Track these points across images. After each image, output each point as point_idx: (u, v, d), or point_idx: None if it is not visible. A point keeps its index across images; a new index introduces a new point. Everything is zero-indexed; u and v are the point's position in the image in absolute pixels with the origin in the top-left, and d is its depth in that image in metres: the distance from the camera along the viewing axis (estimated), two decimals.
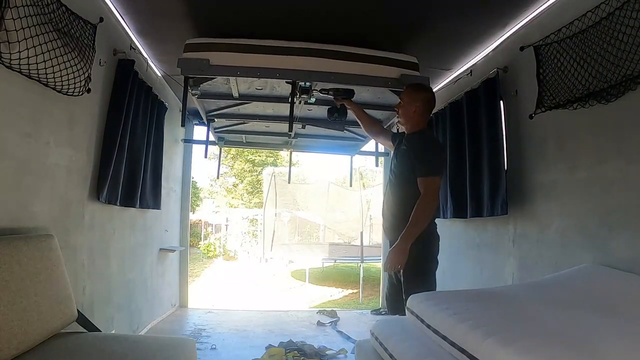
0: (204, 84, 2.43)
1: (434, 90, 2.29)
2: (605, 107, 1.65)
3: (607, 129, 1.71)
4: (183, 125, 3.14)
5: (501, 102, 2.40)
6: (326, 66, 2.24)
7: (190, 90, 2.40)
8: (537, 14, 2.16)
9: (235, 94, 2.65)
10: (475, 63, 2.80)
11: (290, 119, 2.51)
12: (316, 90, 2.43)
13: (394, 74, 2.22)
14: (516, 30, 2.35)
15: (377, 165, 4.19)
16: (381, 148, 4.00)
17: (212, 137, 3.74)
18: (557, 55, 1.85)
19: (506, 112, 2.42)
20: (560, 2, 2.00)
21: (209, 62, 2.17)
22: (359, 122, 2.50)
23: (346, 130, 3.32)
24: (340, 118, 2.49)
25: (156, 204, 3.12)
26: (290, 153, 2.83)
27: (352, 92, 2.41)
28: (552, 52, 1.89)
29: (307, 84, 2.35)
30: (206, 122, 3.33)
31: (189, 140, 4.07)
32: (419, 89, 2.12)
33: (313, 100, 2.49)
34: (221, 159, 4.13)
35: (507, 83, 2.38)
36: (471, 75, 2.78)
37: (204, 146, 4.02)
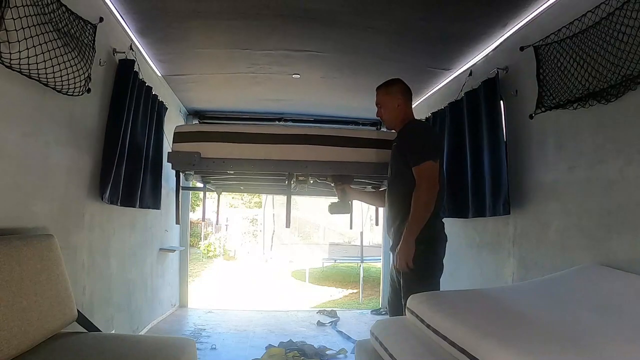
0: None
1: (433, 90, 2.28)
2: (605, 107, 1.65)
3: (607, 129, 1.71)
4: (178, 223, 2.89)
5: (501, 102, 2.40)
6: (323, 154, 2.16)
7: (182, 174, 2.33)
8: (537, 14, 2.16)
9: (230, 172, 2.53)
10: (475, 63, 2.80)
11: (288, 210, 2.43)
12: (313, 176, 2.35)
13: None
14: (516, 30, 2.35)
15: (377, 224, 3.88)
16: None
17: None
18: (557, 55, 1.85)
19: (506, 112, 2.41)
20: (560, 2, 2.00)
21: (200, 156, 2.11)
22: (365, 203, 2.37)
23: None
24: (343, 212, 2.37)
25: (156, 204, 3.12)
26: (289, 198, 2.68)
27: (350, 177, 2.30)
28: (552, 52, 1.89)
29: None
30: (202, 184, 3.23)
31: (186, 188, 3.70)
32: (391, 83, 2.03)
33: (311, 181, 2.39)
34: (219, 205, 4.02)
35: (507, 83, 2.38)
36: (471, 75, 2.77)
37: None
